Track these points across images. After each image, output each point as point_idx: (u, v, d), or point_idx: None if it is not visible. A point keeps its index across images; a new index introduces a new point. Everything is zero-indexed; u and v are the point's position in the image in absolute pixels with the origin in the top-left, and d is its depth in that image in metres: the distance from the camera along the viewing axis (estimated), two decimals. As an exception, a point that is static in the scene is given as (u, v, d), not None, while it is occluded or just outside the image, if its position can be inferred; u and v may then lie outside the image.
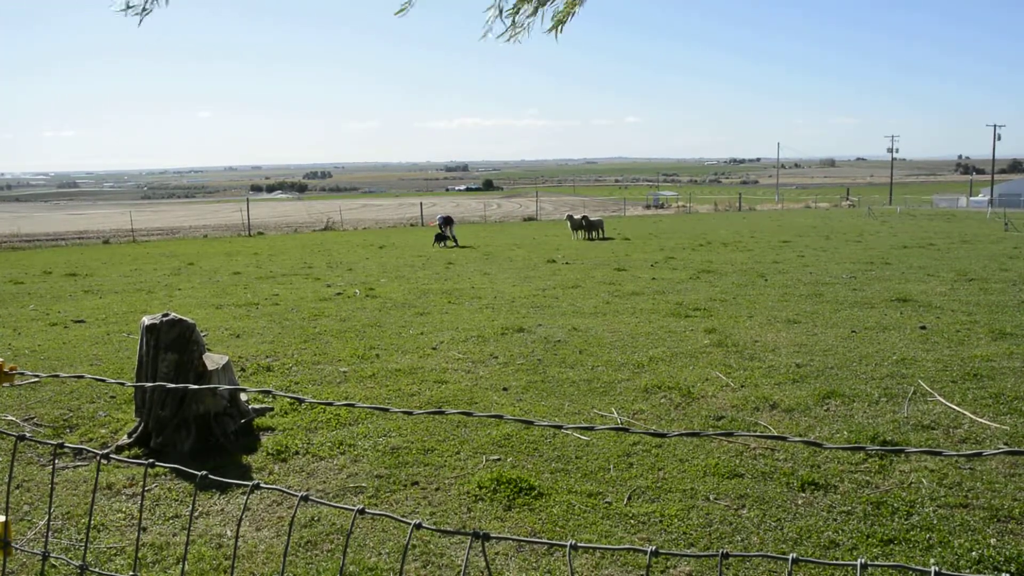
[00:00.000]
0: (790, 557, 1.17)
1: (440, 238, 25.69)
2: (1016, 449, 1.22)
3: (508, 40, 2.53)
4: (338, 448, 5.38)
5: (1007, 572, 3.58)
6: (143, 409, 5.49)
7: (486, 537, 1.30)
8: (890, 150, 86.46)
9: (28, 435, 1.83)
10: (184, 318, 5.47)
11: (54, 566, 3.79)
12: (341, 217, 45.83)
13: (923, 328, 9.16)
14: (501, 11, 2.43)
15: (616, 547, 1.19)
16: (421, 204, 47.53)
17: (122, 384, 1.93)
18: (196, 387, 1.87)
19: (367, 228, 41.64)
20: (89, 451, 1.63)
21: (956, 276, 14.27)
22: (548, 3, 2.43)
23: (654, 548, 1.18)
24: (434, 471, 4.97)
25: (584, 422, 5.96)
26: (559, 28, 2.47)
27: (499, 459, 5.13)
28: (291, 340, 9.18)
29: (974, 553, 3.77)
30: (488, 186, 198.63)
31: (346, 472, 4.99)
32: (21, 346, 9.19)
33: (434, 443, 5.43)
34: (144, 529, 4.20)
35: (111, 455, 1.54)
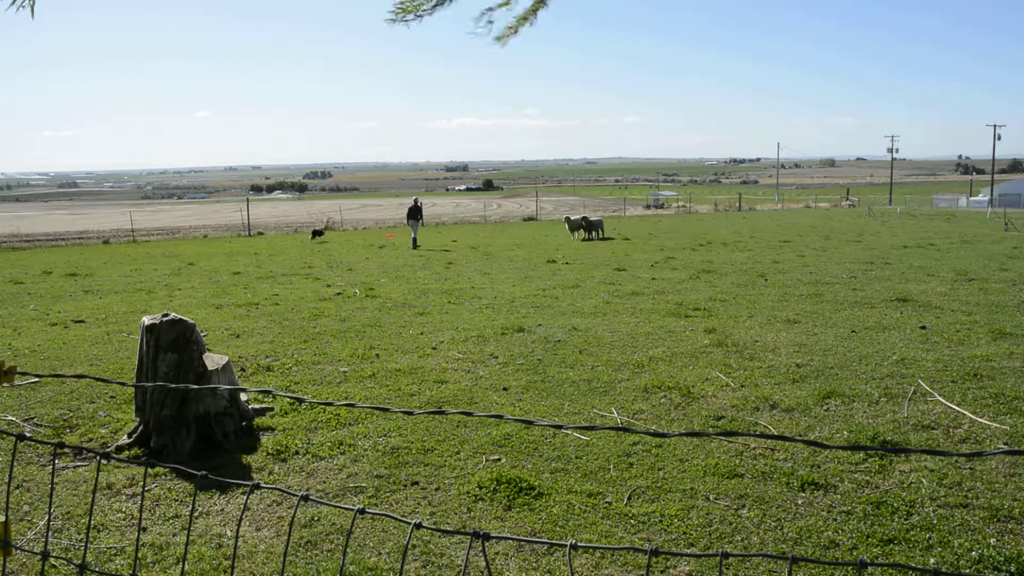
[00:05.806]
0: (790, 557, 1.17)
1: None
2: (1016, 449, 1.22)
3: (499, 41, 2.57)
4: (338, 448, 5.38)
5: (1007, 572, 3.58)
6: (143, 409, 5.49)
7: (486, 537, 1.30)
8: (890, 150, 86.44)
9: (28, 435, 1.83)
10: (184, 318, 5.47)
11: (54, 566, 3.79)
12: (341, 217, 45.84)
13: (923, 328, 9.16)
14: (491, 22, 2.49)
15: (616, 547, 1.19)
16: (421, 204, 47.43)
17: (122, 384, 1.93)
18: (196, 387, 1.87)
19: (367, 228, 41.63)
20: (89, 451, 1.63)
21: (956, 276, 14.27)
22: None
23: (654, 548, 1.18)
24: (434, 471, 4.97)
25: (584, 422, 5.96)
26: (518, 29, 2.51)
27: (499, 459, 5.13)
28: (291, 340, 9.18)
29: (974, 553, 3.77)
30: (488, 186, 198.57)
31: (346, 472, 4.99)
32: (21, 346, 9.19)
33: (434, 443, 5.43)
34: (144, 529, 4.20)
35: (111, 455, 1.54)
